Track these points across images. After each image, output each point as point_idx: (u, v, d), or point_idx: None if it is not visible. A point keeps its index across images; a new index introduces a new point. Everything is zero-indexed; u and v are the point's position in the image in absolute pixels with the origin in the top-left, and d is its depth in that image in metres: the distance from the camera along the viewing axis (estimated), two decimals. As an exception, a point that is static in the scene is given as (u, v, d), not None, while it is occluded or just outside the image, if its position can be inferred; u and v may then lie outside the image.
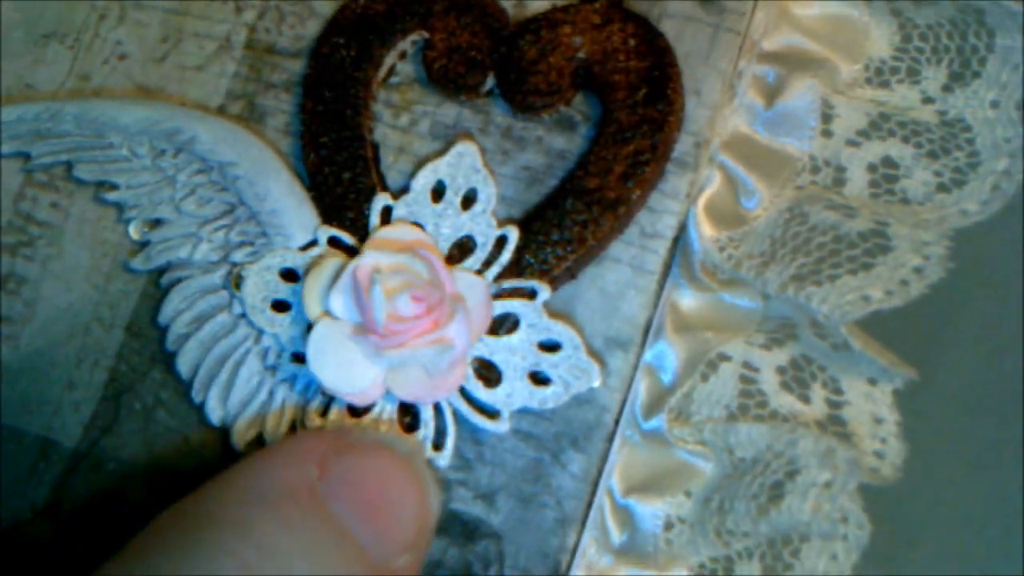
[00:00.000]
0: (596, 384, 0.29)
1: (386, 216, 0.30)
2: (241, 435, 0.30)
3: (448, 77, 0.30)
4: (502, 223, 0.30)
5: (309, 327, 0.29)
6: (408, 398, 0.29)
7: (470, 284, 0.29)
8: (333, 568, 0.24)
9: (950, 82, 0.31)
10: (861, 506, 0.30)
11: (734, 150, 0.31)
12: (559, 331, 0.29)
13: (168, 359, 0.31)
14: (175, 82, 0.32)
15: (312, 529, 0.25)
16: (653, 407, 0.30)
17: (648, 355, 0.30)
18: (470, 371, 0.29)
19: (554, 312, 0.29)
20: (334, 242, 0.30)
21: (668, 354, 0.31)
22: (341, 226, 0.30)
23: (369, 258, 0.28)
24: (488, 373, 0.29)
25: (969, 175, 0.30)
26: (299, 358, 0.30)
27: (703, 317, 0.31)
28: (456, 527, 0.29)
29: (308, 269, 0.29)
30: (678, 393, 0.30)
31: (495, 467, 0.29)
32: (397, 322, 0.28)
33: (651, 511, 0.31)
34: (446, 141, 0.31)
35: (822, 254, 0.29)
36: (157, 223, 0.31)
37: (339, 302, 0.28)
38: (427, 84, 0.31)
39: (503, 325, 0.29)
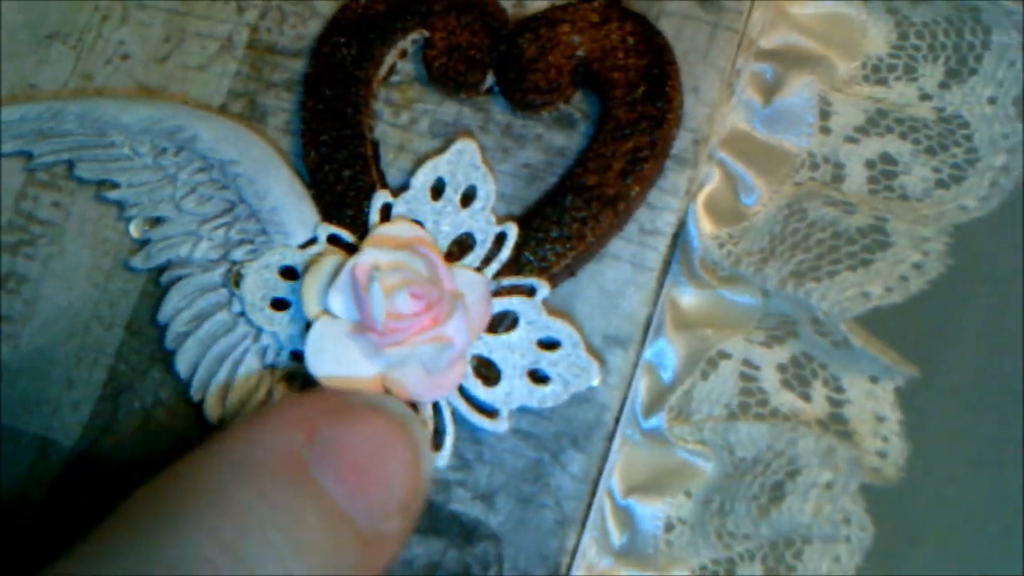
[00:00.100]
0: (596, 382, 0.29)
1: (386, 213, 0.30)
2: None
3: (448, 75, 0.31)
4: (501, 220, 0.30)
5: (308, 325, 0.29)
6: (407, 397, 0.28)
7: (469, 281, 0.29)
8: (316, 539, 0.24)
9: (947, 79, 0.31)
10: (863, 507, 0.30)
11: (733, 147, 0.31)
12: (558, 329, 0.29)
13: (167, 358, 0.30)
14: (177, 81, 0.32)
15: (294, 500, 0.24)
16: (653, 405, 0.30)
17: (648, 353, 0.30)
18: (469, 369, 0.29)
19: (553, 310, 0.29)
20: (334, 240, 0.30)
21: (668, 352, 0.30)
22: (341, 224, 0.30)
23: (368, 255, 0.28)
24: (487, 371, 0.29)
25: (967, 171, 0.30)
26: (298, 356, 0.29)
27: (703, 314, 0.31)
28: (455, 528, 0.29)
29: (307, 267, 0.29)
30: (678, 391, 0.30)
31: (494, 467, 0.29)
32: (396, 320, 0.27)
33: (651, 512, 0.30)
34: (446, 139, 0.31)
35: (821, 250, 0.29)
36: (157, 221, 0.31)
37: (338, 300, 0.28)
38: (427, 82, 0.31)
39: (502, 323, 0.29)
